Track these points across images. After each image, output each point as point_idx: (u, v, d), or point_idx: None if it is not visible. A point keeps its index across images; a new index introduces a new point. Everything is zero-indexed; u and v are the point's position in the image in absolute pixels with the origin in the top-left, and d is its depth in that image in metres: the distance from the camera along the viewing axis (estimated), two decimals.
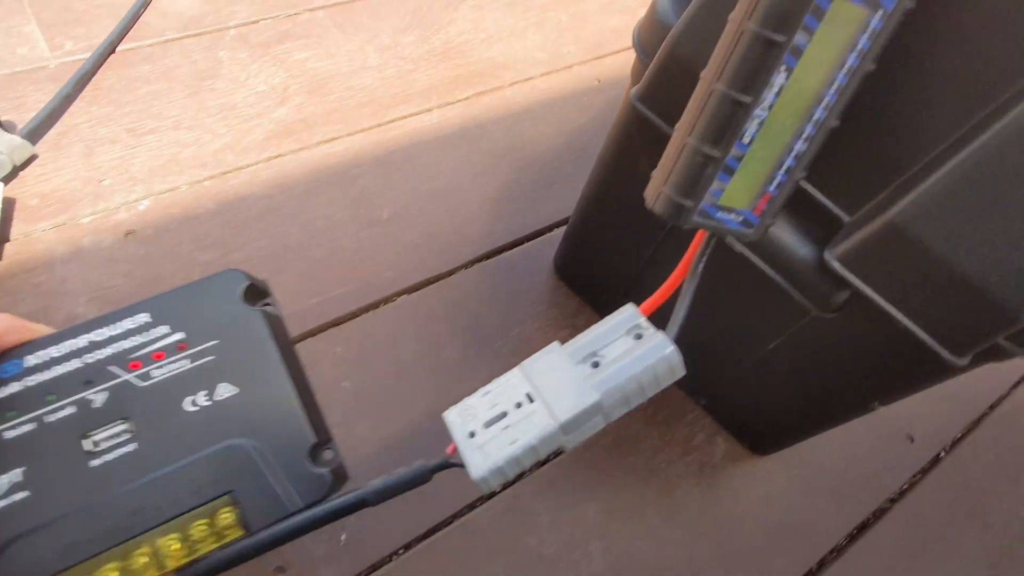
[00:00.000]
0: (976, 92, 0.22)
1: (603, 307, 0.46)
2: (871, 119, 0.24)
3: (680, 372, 0.22)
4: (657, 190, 0.21)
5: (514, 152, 0.55)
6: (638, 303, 0.43)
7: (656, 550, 0.40)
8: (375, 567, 0.35)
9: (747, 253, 0.29)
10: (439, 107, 0.55)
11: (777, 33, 0.17)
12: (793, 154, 0.19)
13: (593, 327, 0.24)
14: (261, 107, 0.50)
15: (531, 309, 0.46)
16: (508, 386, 0.25)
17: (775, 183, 0.20)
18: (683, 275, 0.23)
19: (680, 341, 0.22)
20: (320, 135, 0.50)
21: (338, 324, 0.42)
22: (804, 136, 0.19)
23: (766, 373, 0.38)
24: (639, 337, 0.23)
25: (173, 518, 0.24)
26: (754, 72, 0.17)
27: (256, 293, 0.28)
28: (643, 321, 0.23)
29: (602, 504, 0.40)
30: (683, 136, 0.20)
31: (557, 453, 0.37)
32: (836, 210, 0.27)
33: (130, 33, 0.50)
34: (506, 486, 0.39)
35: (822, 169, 0.27)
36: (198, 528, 0.24)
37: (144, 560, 0.24)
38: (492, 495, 0.39)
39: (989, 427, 0.52)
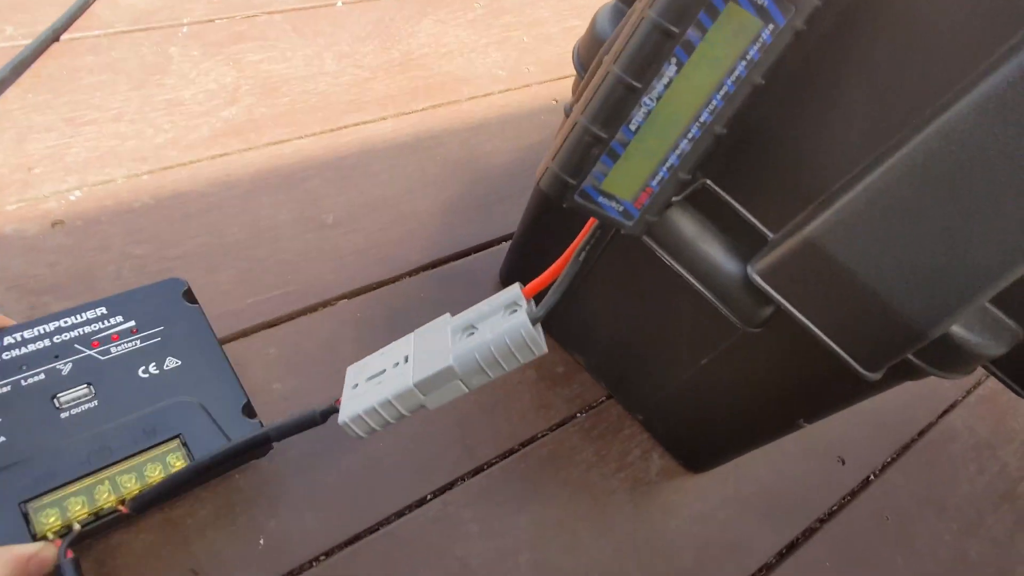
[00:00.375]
0: (884, 121, 0.23)
1: (546, 322, 0.46)
2: (793, 143, 0.25)
3: (539, 350, 0.24)
4: (545, 166, 0.21)
5: (468, 165, 0.55)
6: (575, 316, 0.43)
7: (585, 566, 0.39)
8: (292, 574, 0.34)
9: (677, 267, 0.30)
10: (394, 116, 0.55)
11: (672, 24, 0.17)
12: (677, 152, 0.20)
13: (482, 302, 0.26)
14: (210, 105, 0.49)
15: None
16: (397, 347, 0.28)
17: (657, 178, 0.20)
18: (566, 261, 0.24)
19: (552, 323, 0.23)
20: (269, 137, 0.49)
21: (274, 325, 0.41)
22: (689, 136, 0.20)
23: (699, 389, 0.38)
24: (513, 313, 0.24)
25: (131, 456, 0.29)
26: (647, 59, 0.18)
27: (193, 297, 0.36)
28: (521, 299, 0.24)
29: (533, 517, 0.40)
30: (576, 115, 0.20)
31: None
32: (762, 228, 0.28)
33: (77, 23, 0.49)
34: (435, 493, 0.39)
35: (748, 187, 0.27)
36: (152, 470, 0.30)
37: (105, 495, 0.29)
38: (421, 503, 0.38)
39: (918, 453, 0.53)
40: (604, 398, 0.46)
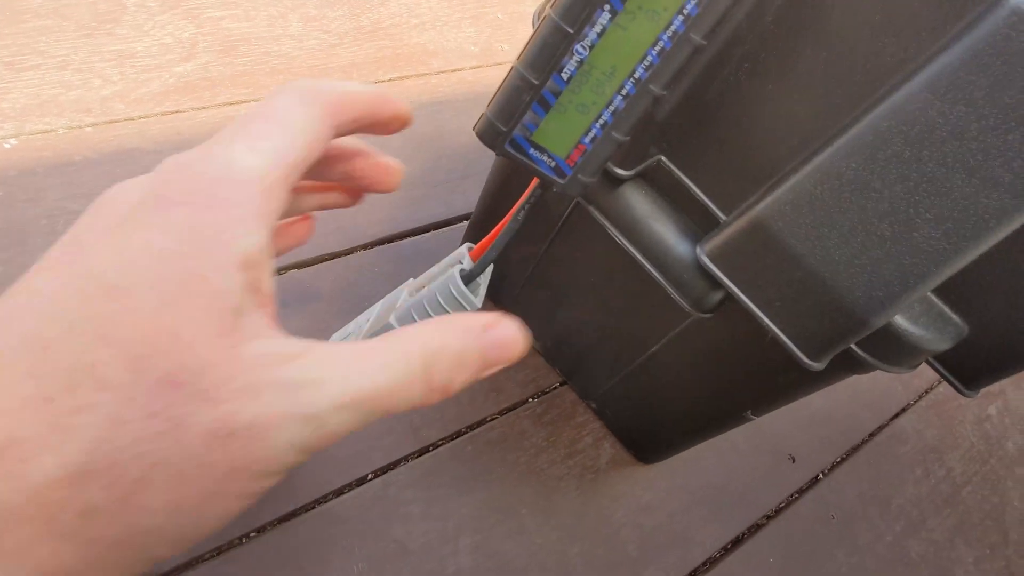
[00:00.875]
0: (837, 100, 0.22)
1: (500, 304, 0.45)
2: (747, 122, 0.24)
3: (470, 306, 0.24)
4: (481, 114, 0.20)
5: (433, 141, 0.53)
6: (532, 300, 0.42)
7: (527, 551, 0.39)
8: (221, 550, 0.33)
9: (628, 246, 0.29)
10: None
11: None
12: (611, 109, 0.19)
13: (438, 263, 0.26)
14: (163, 59, 0.47)
15: None
16: (370, 310, 0.29)
17: (590, 135, 0.20)
18: (507, 220, 0.23)
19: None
20: (224, 97, 0.47)
21: None
22: (623, 92, 0.19)
23: (649, 377, 0.38)
24: (451, 268, 0.24)
25: None
26: (581, 3, 0.17)
27: None
28: (464, 257, 0.24)
29: (477, 500, 0.39)
30: (514, 62, 0.20)
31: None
32: (714, 208, 0.27)
33: None
34: (377, 473, 0.38)
35: (703, 166, 0.27)
36: None
37: None
38: (361, 482, 0.37)
39: (867, 454, 0.53)
40: (558, 384, 0.45)
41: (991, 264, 0.22)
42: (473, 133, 0.21)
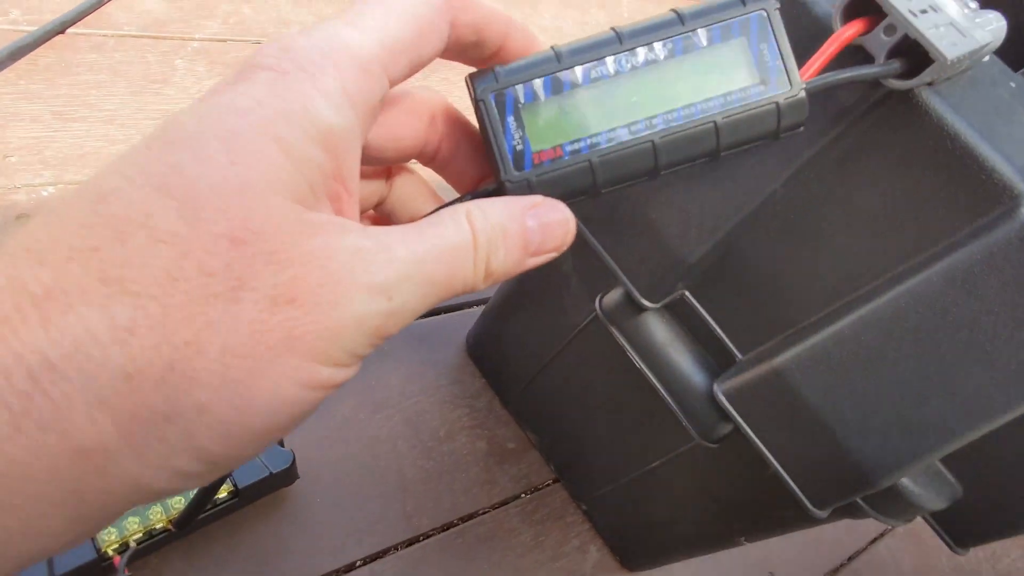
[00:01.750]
0: (863, 270, 0.24)
1: (505, 395, 0.46)
2: (774, 273, 0.26)
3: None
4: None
5: None
6: (535, 392, 0.43)
7: None
8: None
9: (645, 370, 0.30)
10: None
11: (689, 15, 0.17)
12: (610, 136, 0.18)
13: None
14: None
15: (434, 380, 0.45)
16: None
17: (573, 146, 0.18)
18: None
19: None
20: None
21: None
22: (632, 127, 0.18)
23: (646, 490, 0.38)
24: None
25: None
26: (651, 25, 0.18)
27: None
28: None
29: None
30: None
31: None
32: (732, 347, 0.28)
33: (87, 19, 0.49)
34: (366, 560, 0.37)
35: (724, 306, 0.28)
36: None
37: (158, 514, 0.32)
38: (350, 568, 0.37)
39: None
40: (551, 481, 0.45)
41: (990, 435, 0.24)
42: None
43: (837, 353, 0.24)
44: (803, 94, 0.18)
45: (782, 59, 0.18)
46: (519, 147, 0.18)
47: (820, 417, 0.24)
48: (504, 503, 0.43)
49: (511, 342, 0.43)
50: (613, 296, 0.31)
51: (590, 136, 0.18)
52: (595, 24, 0.79)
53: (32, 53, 0.45)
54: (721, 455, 0.31)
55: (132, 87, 0.48)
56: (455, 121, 0.20)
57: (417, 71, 0.17)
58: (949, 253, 0.21)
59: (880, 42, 0.20)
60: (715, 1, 0.18)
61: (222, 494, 0.33)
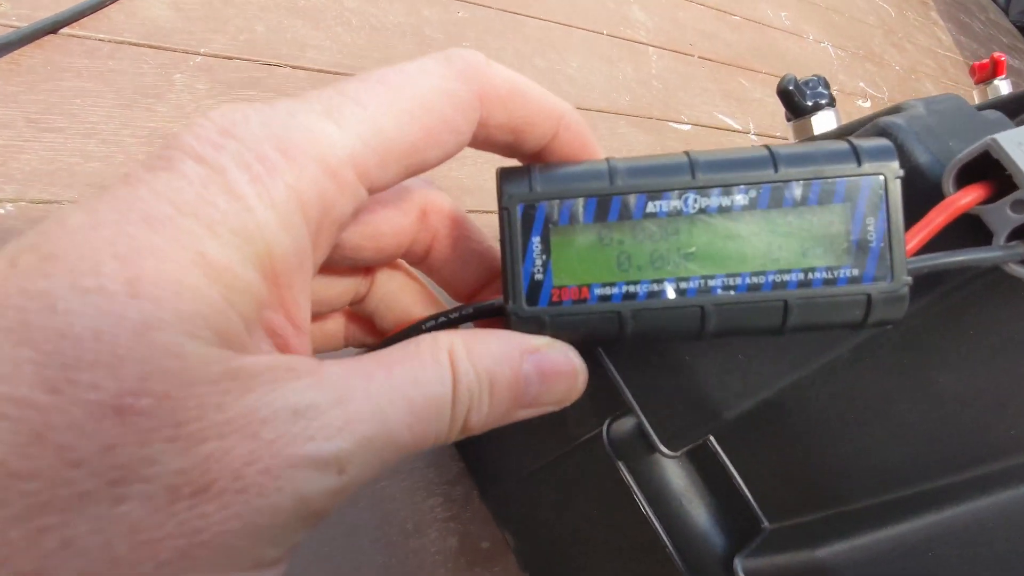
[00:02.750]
0: (926, 460, 0.20)
1: (484, 487, 0.41)
2: (818, 443, 0.22)
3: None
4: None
5: None
6: (517, 490, 0.38)
7: None
8: None
9: (652, 519, 0.26)
10: None
11: (778, 160, 0.14)
12: (651, 290, 0.14)
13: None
14: None
15: (408, 463, 0.41)
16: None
17: (605, 292, 0.14)
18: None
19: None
20: None
21: None
22: (680, 287, 0.14)
23: None
24: None
25: None
26: (736, 162, 0.14)
27: None
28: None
29: None
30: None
31: None
32: (758, 509, 0.24)
33: (83, 21, 0.45)
34: None
35: (753, 463, 0.24)
36: None
37: None
38: None
39: None
40: None
41: None
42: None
43: (894, 564, 0.19)
44: (905, 291, 0.14)
45: (890, 241, 0.14)
46: (538, 276, 0.15)
47: None
48: None
49: (499, 433, 0.39)
50: (624, 426, 0.27)
51: (627, 283, 0.15)
52: (622, 81, 0.76)
53: (17, 51, 0.41)
54: None
55: (121, 99, 0.44)
56: (453, 221, 0.16)
57: (417, 174, 0.13)
58: None
59: (1004, 219, 0.16)
60: (822, 147, 0.15)
61: None
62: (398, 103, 0.12)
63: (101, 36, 0.45)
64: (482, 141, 0.14)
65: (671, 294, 0.14)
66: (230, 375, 0.10)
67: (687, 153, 0.15)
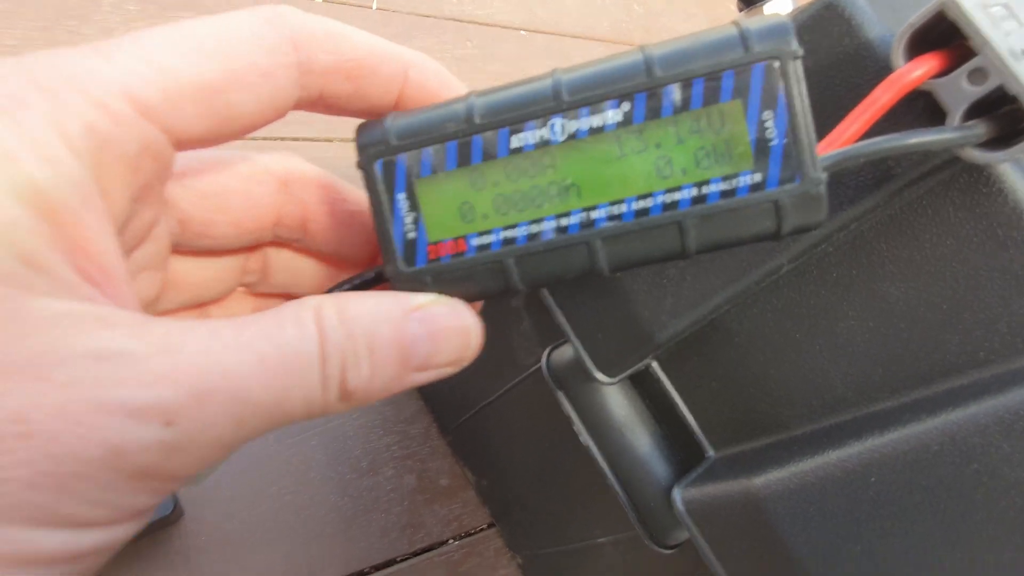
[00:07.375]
0: (871, 379, 0.18)
1: (444, 422, 0.40)
2: (762, 364, 0.20)
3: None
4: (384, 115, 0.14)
5: None
6: (478, 426, 0.37)
7: None
8: None
9: (595, 452, 0.24)
10: (341, 141, 0.48)
11: (652, 64, 0.12)
12: (529, 232, 0.13)
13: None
14: None
15: None
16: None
17: (480, 240, 0.13)
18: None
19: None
20: None
21: None
22: (560, 224, 0.13)
23: (591, 561, 0.33)
24: None
25: None
26: (608, 76, 0.12)
27: None
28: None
29: None
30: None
31: None
32: (702, 437, 0.23)
33: None
34: None
35: (697, 389, 0.23)
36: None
37: None
38: None
39: None
40: (485, 526, 0.40)
41: None
42: None
43: (831, 490, 0.18)
44: (821, 190, 0.12)
45: (793, 134, 0.12)
46: (411, 234, 0.13)
47: (796, 555, 0.19)
48: (427, 549, 0.38)
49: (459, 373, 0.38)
50: (563, 354, 0.25)
51: (504, 228, 0.13)
52: (600, 5, 0.71)
53: None
54: (672, 557, 0.26)
55: (42, 20, 0.40)
56: (321, 188, 0.15)
57: (248, 128, 0.12)
58: (1003, 390, 0.16)
59: (960, 92, 0.14)
60: (705, 37, 0.12)
61: None
62: (187, 41, 0.11)
63: None
64: (320, 95, 0.13)
65: (551, 234, 0.13)
66: (8, 316, 0.09)
67: (553, 71, 0.13)
